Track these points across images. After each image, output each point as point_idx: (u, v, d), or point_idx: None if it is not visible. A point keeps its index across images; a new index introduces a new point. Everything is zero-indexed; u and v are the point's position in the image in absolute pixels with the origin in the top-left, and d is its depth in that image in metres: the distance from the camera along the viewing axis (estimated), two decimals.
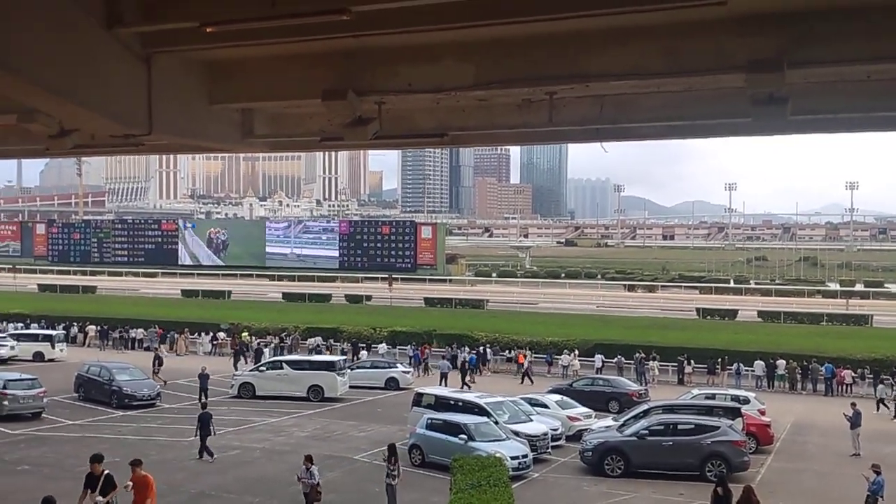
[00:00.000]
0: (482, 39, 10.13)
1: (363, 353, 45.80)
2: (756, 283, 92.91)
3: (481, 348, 45.23)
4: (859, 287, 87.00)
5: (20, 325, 54.45)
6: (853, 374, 39.87)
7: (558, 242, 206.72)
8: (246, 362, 43.57)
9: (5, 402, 28.56)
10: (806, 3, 8.60)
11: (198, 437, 23.73)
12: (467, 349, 44.52)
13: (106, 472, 13.80)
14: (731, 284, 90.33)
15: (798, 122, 10.68)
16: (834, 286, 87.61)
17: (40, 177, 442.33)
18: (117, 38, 9.65)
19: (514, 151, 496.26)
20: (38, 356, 44.48)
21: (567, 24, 9.26)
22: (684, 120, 11.82)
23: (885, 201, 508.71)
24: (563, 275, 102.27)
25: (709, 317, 64.65)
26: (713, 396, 29.92)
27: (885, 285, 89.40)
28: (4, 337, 46.51)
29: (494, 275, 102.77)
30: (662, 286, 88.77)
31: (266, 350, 45.12)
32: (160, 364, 38.28)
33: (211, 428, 23.73)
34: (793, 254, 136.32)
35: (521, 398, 28.43)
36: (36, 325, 54.13)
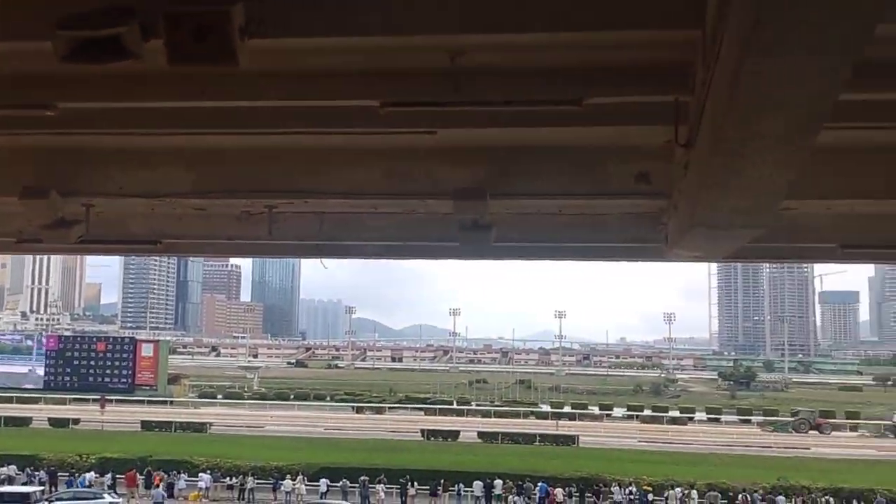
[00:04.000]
0: (201, 146, 9.93)
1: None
2: (477, 405, 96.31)
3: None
4: (567, 409, 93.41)
5: None
6: (563, 492, 42.32)
7: (289, 363, 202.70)
8: None
9: None
10: (509, 138, 9.41)
11: None
12: None
13: None
14: (455, 406, 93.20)
15: (501, 248, 11.44)
16: (545, 408, 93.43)
17: None
18: None
19: (246, 268, 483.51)
20: None
21: (323, 139, 9.35)
22: (400, 241, 12.25)
23: (590, 328, 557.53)
24: (292, 396, 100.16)
25: (433, 438, 65.98)
26: None
27: (589, 407, 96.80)
28: None
29: (220, 396, 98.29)
30: (390, 408, 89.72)
31: None
32: None
33: None
34: (510, 377, 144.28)
35: None
36: None
